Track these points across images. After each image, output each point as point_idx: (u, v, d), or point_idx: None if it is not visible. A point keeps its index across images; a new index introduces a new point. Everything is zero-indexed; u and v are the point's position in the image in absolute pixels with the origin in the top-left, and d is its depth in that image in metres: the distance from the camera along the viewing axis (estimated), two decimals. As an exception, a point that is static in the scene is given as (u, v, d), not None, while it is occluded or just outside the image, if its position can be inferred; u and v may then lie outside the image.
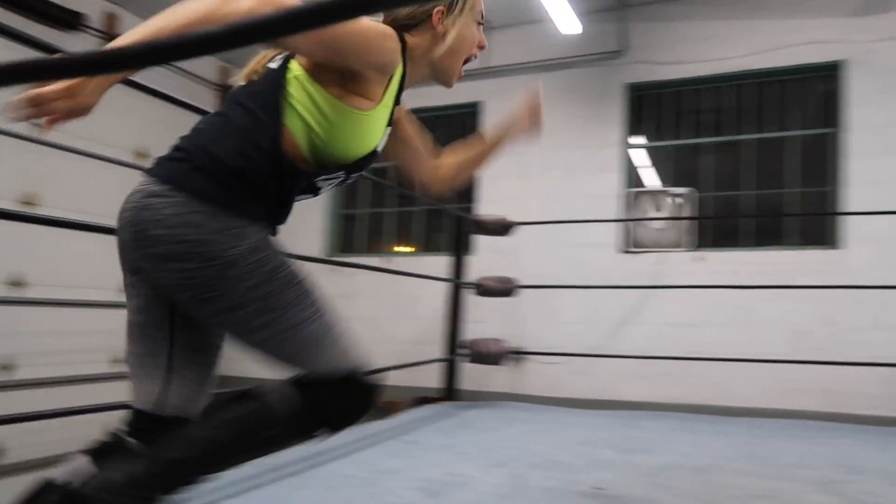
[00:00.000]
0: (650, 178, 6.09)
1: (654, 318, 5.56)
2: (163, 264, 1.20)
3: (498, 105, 6.37)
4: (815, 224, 5.51)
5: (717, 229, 5.80)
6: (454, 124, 6.69)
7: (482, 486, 2.48)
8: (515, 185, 6.20)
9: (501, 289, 4.60)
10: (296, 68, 1.31)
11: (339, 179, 1.42)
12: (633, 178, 6.04)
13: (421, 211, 6.82)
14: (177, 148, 1.30)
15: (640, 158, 6.14)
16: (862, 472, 2.82)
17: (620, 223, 5.80)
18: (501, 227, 4.66)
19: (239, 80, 1.40)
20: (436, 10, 1.45)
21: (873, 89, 5.27)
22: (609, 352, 5.38)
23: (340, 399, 1.30)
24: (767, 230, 5.66)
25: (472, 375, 5.18)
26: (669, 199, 5.73)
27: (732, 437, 3.56)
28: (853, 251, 5.15)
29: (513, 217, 4.71)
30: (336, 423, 1.31)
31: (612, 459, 2.97)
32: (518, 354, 5.59)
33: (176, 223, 1.18)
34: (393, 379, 5.89)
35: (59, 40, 5.34)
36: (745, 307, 5.26)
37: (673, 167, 6.00)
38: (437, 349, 5.12)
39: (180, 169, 1.24)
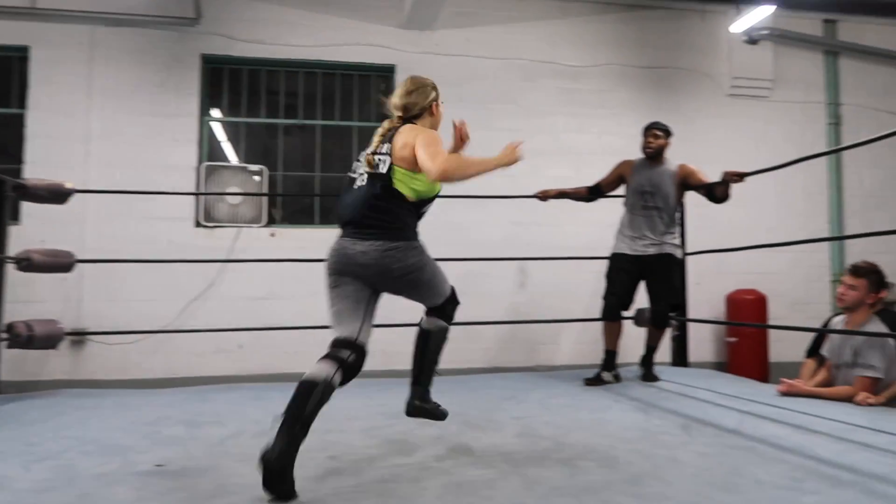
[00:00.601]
0: (227, 154, 6.07)
1: (229, 293, 5.59)
2: (397, 279, 2.48)
3: (47, 55, 5.55)
4: (375, 205, 6.24)
5: (289, 207, 6.11)
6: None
7: (21, 483, 2.19)
8: (73, 149, 5.51)
9: (53, 263, 4.00)
10: (397, 169, 2.44)
11: (429, 207, 2.61)
12: (210, 152, 5.93)
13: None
14: (374, 225, 2.44)
15: (218, 133, 6.06)
16: (399, 416, 3.29)
17: (197, 197, 5.65)
18: (56, 194, 4.06)
19: (363, 163, 2.55)
20: (435, 102, 2.79)
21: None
22: (184, 328, 5.23)
23: (452, 305, 2.74)
24: (334, 209, 6.19)
25: (17, 364, 4.47)
26: (245, 176, 5.81)
27: (300, 399, 3.80)
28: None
29: (70, 183, 4.15)
30: (452, 318, 2.77)
31: (178, 436, 2.91)
32: (77, 336, 5.02)
33: (408, 258, 2.46)
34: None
35: None
36: (313, 279, 5.65)
37: (249, 144, 6.08)
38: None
39: (392, 233, 2.44)
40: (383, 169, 2.44)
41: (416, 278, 2.51)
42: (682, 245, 4.77)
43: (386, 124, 2.62)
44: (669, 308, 4.26)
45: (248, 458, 2.51)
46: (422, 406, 2.67)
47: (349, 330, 2.52)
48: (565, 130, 6.47)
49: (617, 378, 4.21)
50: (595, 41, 6.64)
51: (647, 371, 4.30)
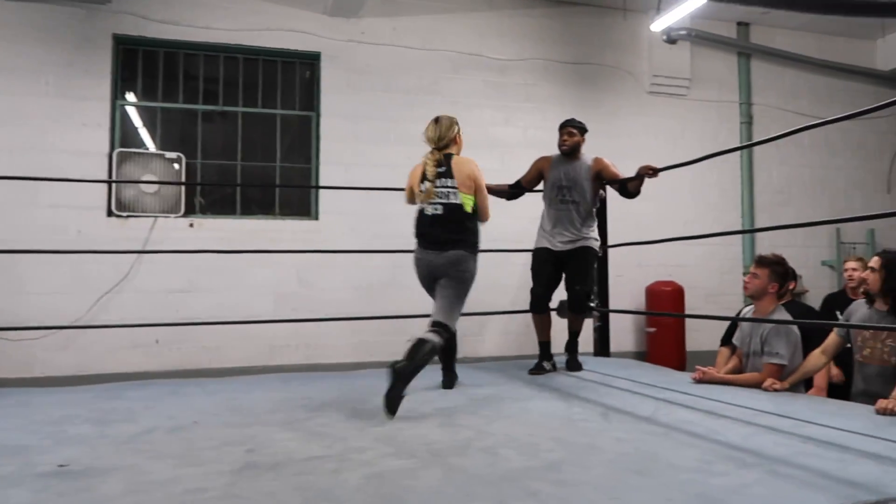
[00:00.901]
0: (144, 140, 5.80)
1: (146, 285, 5.36)
2: (457, 275, 3.56)
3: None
4: (300, 196, 6.12)
5: (209, 196, 5.91)
6: None
7: None
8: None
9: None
10: (462, 195, 3.57)
11: None
12: (124, 138, 5.66)
13: None
14: (451, 239, 3.56)
15: (134, 118, 5.79)
16: (321, 409, 3.27)
17: (109, 185, 5.38)
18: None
19: (426, 193, 3.58)
20: (458, 132, 3.73)
21: (342, 82, 6.08)
22: (95, 322, 4.99)
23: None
24: (258, 200, 6.04)
25: None
26: (162, 163, 5.57)
27: (218, 395, 3.69)
28: (326, 222, 5.88)
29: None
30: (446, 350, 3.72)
31: (85, 434, 2.77)
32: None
33: (471, 264, 3.61)
34: None
35: None
36: (235, 273, 5.51)
37: (166, 131, 5.83)
38: None
39: (464, 245, 3.57)
40: (456, 200, 3.57)
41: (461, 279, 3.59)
42: (604, 238, 4.88)
43: (432, 157, 3.64)
44: (585, 293, 4.31)
45: (160, 456, 2.42)
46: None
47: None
48: (492, 123, 6.51)
49: (554, 367, 4.29)
50: (522, 35, 6.70)
51: (571, 358, 4.37)
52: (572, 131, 4.36)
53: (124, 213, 5.40)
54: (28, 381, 4.49)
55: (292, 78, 6.18)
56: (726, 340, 4.06)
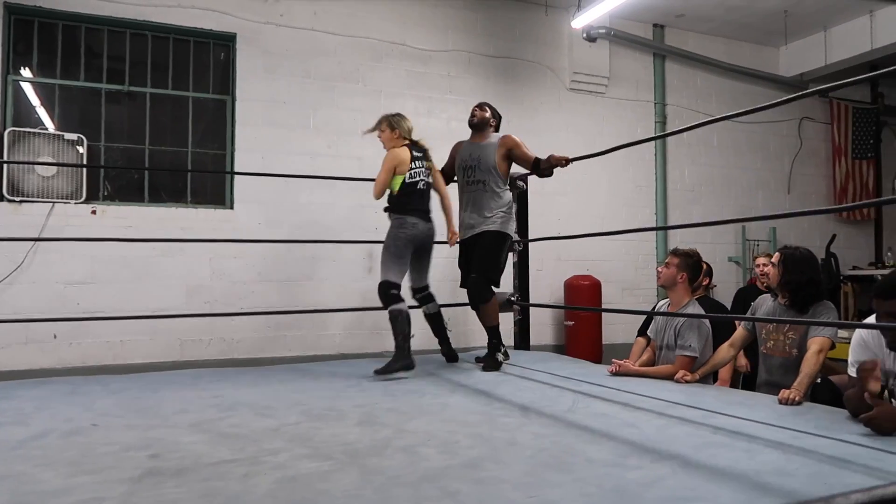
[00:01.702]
0: (40, 119, 5.39)
1: (42, 276, 4.99)
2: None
3: None
4: (213, 184, 5.85)
5: (115, 182, 5.56)
6: None
7: None
8: None
9: None
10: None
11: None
12: (17, 117, 5.23)
13: None
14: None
15: (29, 95, 5.36)
16: (234, 408, 3.13)
17: (0, 166, 4.97)
18: None
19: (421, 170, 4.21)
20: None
21: (259, 66, 5.86)
22: (-18, 317, 4.60)
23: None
24: (168, 187, 5.73)
25: None
26: (61, 145, 5.19)
27: (122, 394, 3.47)
28: (241, 211, 5.66)
29: None
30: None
31: (-33, 440, 2.53)
32: None
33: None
34: None
35: None
36: (142, 263, 5.22)
37: (66, 110, 5.44)
38: None
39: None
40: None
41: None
42: (524, 232, 4.90)
43: (416, 146, 4.24)
44: (479, 281, 4.06)
45: (52, 463, 2.23)
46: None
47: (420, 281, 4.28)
48: (414, 114, 6.37)
49: (505, 355, 4.28)
50: (445, 26, 6.65)
51: (486, 355, 4.19)
52: (483, 106, 4.34)
53: (17, 198, 5.01)
54: None
55: (206, 59, 5.90)
56: (642, 331, 4.16)
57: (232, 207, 5.67)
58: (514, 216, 4.40)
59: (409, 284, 4.23)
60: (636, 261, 7.36)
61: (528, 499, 1.91)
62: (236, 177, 5.66)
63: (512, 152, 4.20)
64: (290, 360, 4.40)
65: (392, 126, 4.19)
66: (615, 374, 3.76)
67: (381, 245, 5.72)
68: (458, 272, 4.36)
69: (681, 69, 7.79)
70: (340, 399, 3.30)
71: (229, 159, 5.79)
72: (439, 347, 4.41)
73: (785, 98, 3.08)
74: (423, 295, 4.34)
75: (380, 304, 3.99)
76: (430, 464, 2.23)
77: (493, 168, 4.17)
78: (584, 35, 7.01)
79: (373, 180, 4.83)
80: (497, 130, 4.37)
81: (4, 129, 5.04)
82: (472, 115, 4.31)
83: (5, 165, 4.95)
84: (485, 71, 6.80)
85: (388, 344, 6.00)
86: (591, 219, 6.85)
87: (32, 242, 4.81)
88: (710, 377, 3.72)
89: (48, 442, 2.52)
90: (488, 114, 4.31)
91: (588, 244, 6.75)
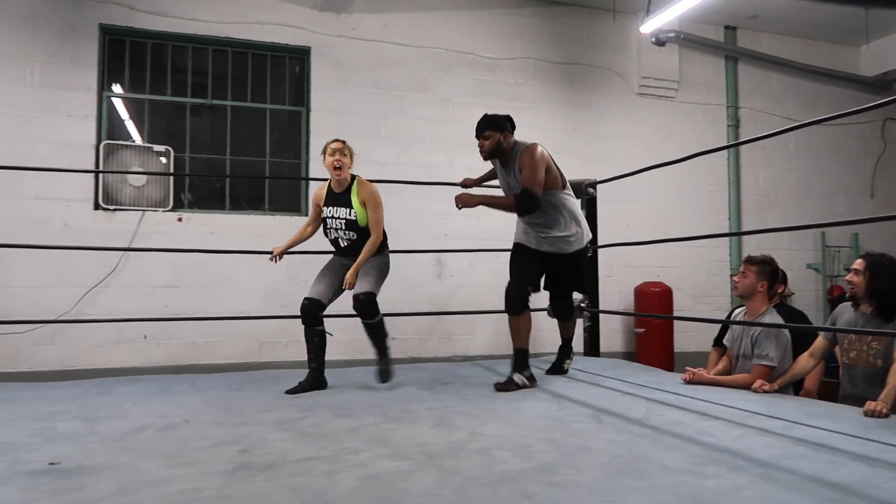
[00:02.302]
0: (130, 132, 5.73)
1: (134, 280, 5.29)
2: None
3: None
4: (289, 192, 6.08)
5: (198, 191, 5.85)
6: None
7: None
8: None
9: (-68, 247, 3.68)
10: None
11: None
12: (111, 130, 5.58)
13: None
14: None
15: (119, 110, 5.71)
16: (313, 408, 3.26)
17: (96, 177, 5.31)
18: (-67, 172, 3.72)
19: None
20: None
21: (332, 77, 6.05)
22: (82, 317, 4.92)
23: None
24: (247, 195, 5.99)
25: None
26: (150, 156, 5.51)
27: (208, 392, 3.66)
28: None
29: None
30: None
31: (75, 432, 2.74)
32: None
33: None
34: None
35: None
36: (224, 268, 5.46)
37: (154, 123, 5.76)
38: None
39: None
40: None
41: None
42: (594, 238, 4.89)
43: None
44: (514, 288, 3.83)
45: (151, 455, 2.39)
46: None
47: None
48: (482, 122, 6.50)
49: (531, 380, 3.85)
50: (511, 34, 6.71)
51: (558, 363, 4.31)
52: (485, 135, 3.77)
53: (111, 207, 5.34)
54: (14, 376, 4.43)
55: (282, 72, 6.14)
56: (718, 342, 4.09)
57: (307, 214, 5.86)
58: (581, 218, 3.98)
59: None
60: (709, 268, 7.20)
61: (605, 503, 1.94)
62: (311, 184, 5.86)
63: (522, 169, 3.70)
64: (362, 363, 4.52)
65: (351, 155, 3.92)
66: (689, 382, 3.71)
67: (450, 253, 5.86)
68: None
69: (754, 71, 7.59)
70: (414, 402, 3.39)
71: (304, 168, 6.01)
72: (491, 356, 4.53)
73: (880, 101, 2.95)
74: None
75: (451, 309, 4.06)
76: (506, 466, 2.28)
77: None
78: (653, 39, 6.94)
79: (440, 184, 4.94)
80: (512, 133, 3.82)
81: (100, 143, 5.38)
82: (480, 149, 3.82)
83: (101, 176, 5.28)
84: (552, 78, 6.82)
85: (458, 349, 6.13)
86: (660, 225, 6.76)
87: (125, 248, 5.11)
88: (790, 388, 3.62)
89: (146, 436, 2.70)
90: (492, 137, 3.75)
91: (658, 250, 6.66)
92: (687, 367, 3.86)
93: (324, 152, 3.89)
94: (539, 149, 3.72)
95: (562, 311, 4.17)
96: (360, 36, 6.18)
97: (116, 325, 5.00)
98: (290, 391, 3.65)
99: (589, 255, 4.37)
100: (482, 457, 2.40)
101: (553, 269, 3.96)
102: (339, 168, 3.80)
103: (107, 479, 2.13)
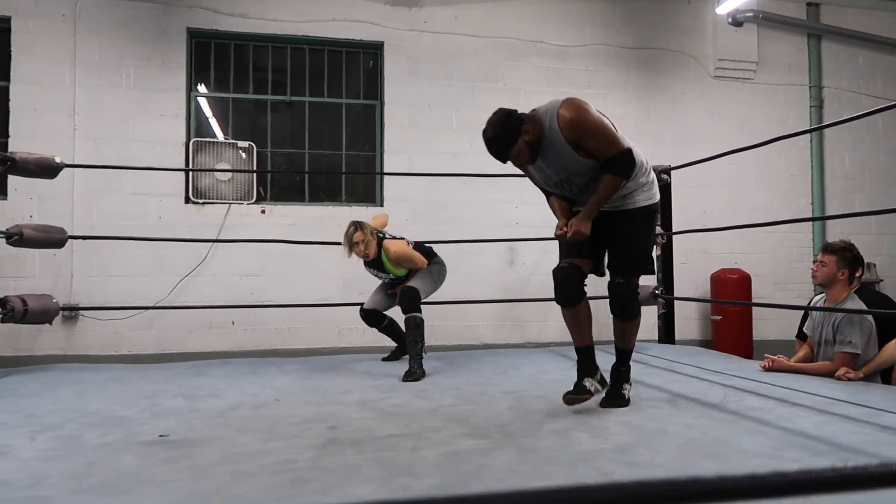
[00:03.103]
0: (212, 129, 6.04)
1: (222, 269, 5.60)
2: None
3: (30, 25, 5.47)
4: (365, 184, 6.27)
5: (278, 184, 6.11)
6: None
7: (26, 452, 2.24)
8: (59, 122, 5.45)
9: (45, 239, 3.99)
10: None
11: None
12: (198, 128, 5.90)
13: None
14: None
15: (205, 108, 6.02)
16: (393, 390, 3.40)
17: (186, 173, 5.64)
18: (46, 169, 4.03)
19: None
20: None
21: (405, 70, 6.19)
22: (176, 303, 5.26)
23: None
24: (325, 188, 6.22)
25: (10, 339, 4.47)
26: (234, 152, 5.80)
27: (294, 374, 3.87)
28: (390, 208, 6.01)
29: (59, 158, 4.11)
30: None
31: (178, 408, 2.97)
32: (70, 311, 5.02)
33: None
34: None
35: None
36: (304, 258, 5.70)
37: (237, 120, 6.05)
38: None
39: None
40: None
41: None
42: (668, 224, 4.84)
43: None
44: (634, 287, 3.05)
45: (248, 430, 2.58)
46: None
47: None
48: (553, 110, 6.50)
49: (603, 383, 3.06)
50: (582, 21, 6.66)
51: (613, 388, 3.05)
52: (514, 154, 2.86)
53: (201, 200, 5.66)
54: (116, 358, 4.78)
55: (356, 67, 6.32)
56: (801, 334, 3.95)
57: (382, 205, 6.04)
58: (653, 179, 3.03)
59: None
60: (790, 254, 6.97)
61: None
62: (385, 176, 6.02)
63: (581, 142, 2.72)
64: (436, 349, 4.64)
65: (364, 229, 4.11)
66: (768, 369, 3.66)
67: (521, 241, 5.91)
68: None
69: (839, 49, 7.27)
70: (489, 385, 3.48)
71: (378, 160, 6.18)
72: (564, 342, 4.50)
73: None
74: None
75: (523, 297, 4.13)
76: (583, 446, 2.34)
77: (584, 167, 2.79)
78: (730, 20, 6.74)
79: (511, 176, 4.96)
80: (524, 121, 2.82)
81: (189, 140, 5.70)
82: (521, 165, 2.99)
83: (190, 172, 5.61)
84: (624, 63, 6.74)
85: (530, 335, 6.19)
86: (738, 210, 6.59)
87: (213, 239, 5.41)
88: (877, 376, 3.51)
89: (242, 413, 2.90)
90: (521, 153, 2.84)
91: (736, 237, 6.50)
92: (766, 355, 3.80)
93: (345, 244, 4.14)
94: (579, 104, 2.76)
95: (617, 298, 2.97)
96: (431, 29, 6.28)
97: (207, 312, 5.31)
98: (407, 379, 3.68)
99: (663, 241, 4.29)
100: (559, 437, 2.47)
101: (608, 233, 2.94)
102: (367, 255, 4.15)
103: (211, 450, 2.32)
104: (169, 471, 2.10)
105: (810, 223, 7.07)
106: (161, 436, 2.49)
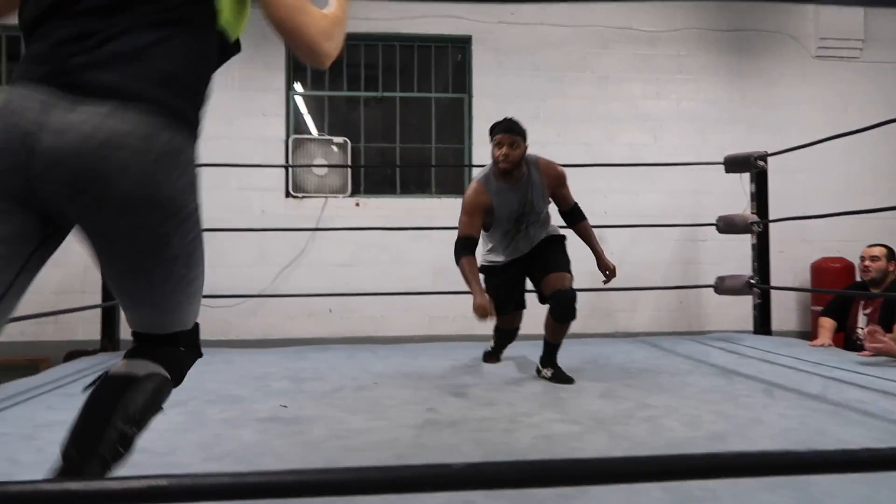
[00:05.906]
0: (307, 126, 6.32)
1: (319, 259, 5.89)
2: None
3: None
4: (453, 176, 6.41)
5: (371, 177, 6.34)
6: None
7: (161, 424, 2.48)
8: (175, 126, 5.87)
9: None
10: None
11: None
12: (295, 125, 6.20)
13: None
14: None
15: (300, 105, 6.32)
16: (484, 376, 3.53)
17: (286, 168, 5.96)
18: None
19: None
20: None
21: (492, 63, 6.26)
22: (277, 292, 5.58)
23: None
24: (415, 180, 6.40)
25: (124, 323, 4.89)
26: (329, 148, 6.06)
27: (389, 360, 4.06)
28: (481, 199, 6.13)
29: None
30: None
31: (287, 389, 3.20)
32: (183, 301, 5.42)
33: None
34: (35, 333, 5.27)
35: None
36: (396, 248, 5.91)
37: (331, 117, 6.31)
38: (88, 298, 4.74)
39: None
40: None
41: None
42: (765, 212, 4.72)
43: None
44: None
45: (351, 410, 2.76)
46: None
47: None
48: (642, 97, 6.42)
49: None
50: (672, 5, 6.51)
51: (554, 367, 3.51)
52: (517, 140, 3.31)
53: (299, 195, 5.96)
54: (226, 343, 5.12)
55: (445, 61, 6.45)
56: (831, 311, 4.33)
57: (470, 196, 6.15)
58: None
59: None
60: (898, 242, 6.59)
61: (776, 470, 1.99)
62: (474, 168, 6.13)
63: (556, 193, 3.60)
64: (526, 338, 4.72)
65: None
66: (872, 347, 3.55)
67: (610, 228, 5.88)
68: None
69: (957, 21, 6.77)
70: (579, 374, 3.54)
71: (467, 153, 6.29)
72: (653, 333, 4.42)
73: None
74: None
75: (613, 286, 4.15)
76: (675, 434, 2.39)
77: (545, 208, 3.62)
78: (833, -4, 6.43)
79: (601, 165, 4.98)
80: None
81: (288, 137, 6.01)
82: (506, 157, 3.32)
83: (290, 167, 5.93)
84: (717, 46, 6.54)
85: (619, 325, 6.16)
86: (840, 196, 6.28)
87: (311, 231, 5.70)
88: None
89: (344, 394, 3.09)
90: (520, 149, 3.36)
91: (838, 224, 6.21)
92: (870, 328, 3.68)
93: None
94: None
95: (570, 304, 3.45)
96: (518, 21, 6.32)
97: (306, 300, 5.60)
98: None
99: (759, 230, 4.20)
100: (650, 424, 2.51)
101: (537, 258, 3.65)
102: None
103: (320, 427, 2.52)
104: (285, 444, 2.30)
105: (923, 209, 6.64)
106: (282, 406, 2.73)
